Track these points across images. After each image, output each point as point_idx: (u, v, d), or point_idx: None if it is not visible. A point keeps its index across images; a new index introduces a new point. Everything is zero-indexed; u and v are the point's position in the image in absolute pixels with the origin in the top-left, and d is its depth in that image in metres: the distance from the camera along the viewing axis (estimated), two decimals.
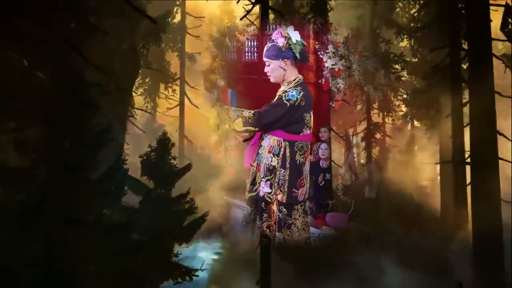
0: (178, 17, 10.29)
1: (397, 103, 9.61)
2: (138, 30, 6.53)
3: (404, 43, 9.68)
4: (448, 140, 7.29)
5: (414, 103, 9.10)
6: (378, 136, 8.74)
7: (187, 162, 6.15)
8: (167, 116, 9.98)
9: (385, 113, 9.43)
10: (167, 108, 9.83)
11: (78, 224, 3.88)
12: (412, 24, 8.77)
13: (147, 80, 10.19)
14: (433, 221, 7.33)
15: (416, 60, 8.97)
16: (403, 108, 9.63)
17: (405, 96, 9.42)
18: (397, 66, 8.49)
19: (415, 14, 8.43)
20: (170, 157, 5.52)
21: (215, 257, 6.49)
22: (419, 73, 8.58)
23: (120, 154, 4.71)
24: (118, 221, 4.57)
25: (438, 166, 9.63)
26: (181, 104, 9.95)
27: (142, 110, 8.98)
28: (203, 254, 6.47)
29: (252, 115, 3.72)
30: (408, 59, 8.64)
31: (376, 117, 9.26)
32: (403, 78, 8.84)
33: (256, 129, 3.84)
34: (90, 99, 4.17)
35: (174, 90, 10.07)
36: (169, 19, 9.15)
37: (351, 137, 8.12)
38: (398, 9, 9.55)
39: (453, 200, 7.03)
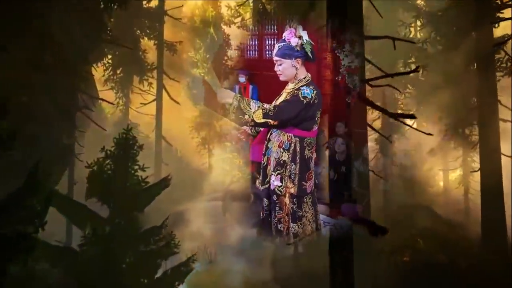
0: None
1: (404, 101, 8.35)
2: None
3: (412, 33, 7.88)
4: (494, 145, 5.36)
5: (428, 100, 7.33)
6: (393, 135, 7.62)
7: (165, 169, 3.91)
8: (142, 114, 7.73)
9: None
10: (141, 103, 7.49)
11: None
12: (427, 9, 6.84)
13: (118, 71, 7.84)
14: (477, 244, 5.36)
15: (434, 51, 7.09)
16: (411, 106, 8.24)
17: (412, 92, 8.16)
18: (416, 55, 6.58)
19: None
20: (136, 167, 3.13)
21: None
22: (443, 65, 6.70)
23: (39, 163, 2.26)
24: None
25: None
26: (159, 99, 7.61)
27: (105, 101, 6.50)
28: None
29: (272, 108, 3.58)
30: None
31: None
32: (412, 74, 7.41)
33: (275, 123, 3.58)
34: None
35: (150, 84, 7.79)
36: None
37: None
38: None
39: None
